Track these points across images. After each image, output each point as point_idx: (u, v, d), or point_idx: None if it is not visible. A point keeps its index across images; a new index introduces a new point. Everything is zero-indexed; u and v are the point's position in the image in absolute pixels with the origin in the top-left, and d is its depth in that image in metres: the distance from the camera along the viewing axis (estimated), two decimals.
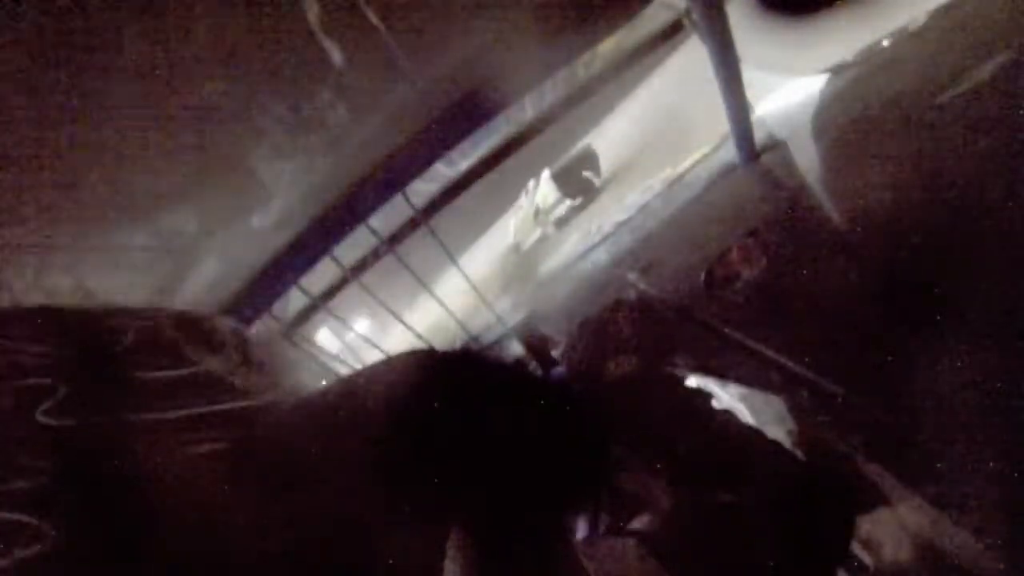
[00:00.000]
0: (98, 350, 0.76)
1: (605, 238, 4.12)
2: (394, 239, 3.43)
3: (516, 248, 9.94)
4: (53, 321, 0.79)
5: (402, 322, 3.74)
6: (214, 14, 1.35)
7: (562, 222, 8.50)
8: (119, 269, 2.13)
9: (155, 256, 2.26)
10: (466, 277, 3.82)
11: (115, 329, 0.79)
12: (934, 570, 1.29)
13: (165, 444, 0.70)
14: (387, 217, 3.18)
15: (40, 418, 0.65)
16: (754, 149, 3.14)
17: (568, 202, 8.38)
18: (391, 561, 0.72)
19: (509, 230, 10.34)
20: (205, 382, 0.81)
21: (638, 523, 1.41)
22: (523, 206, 9.51)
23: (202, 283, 2.69)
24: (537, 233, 9.13)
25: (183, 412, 0.73)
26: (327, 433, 0.81)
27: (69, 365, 0.71)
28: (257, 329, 2.77)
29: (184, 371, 0.79)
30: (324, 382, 1.03)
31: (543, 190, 8.70)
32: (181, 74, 1.44)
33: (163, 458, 0.68)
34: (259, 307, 2.87)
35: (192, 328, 0.90)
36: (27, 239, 1.62)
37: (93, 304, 0.88)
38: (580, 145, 8.35)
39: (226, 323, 1.07)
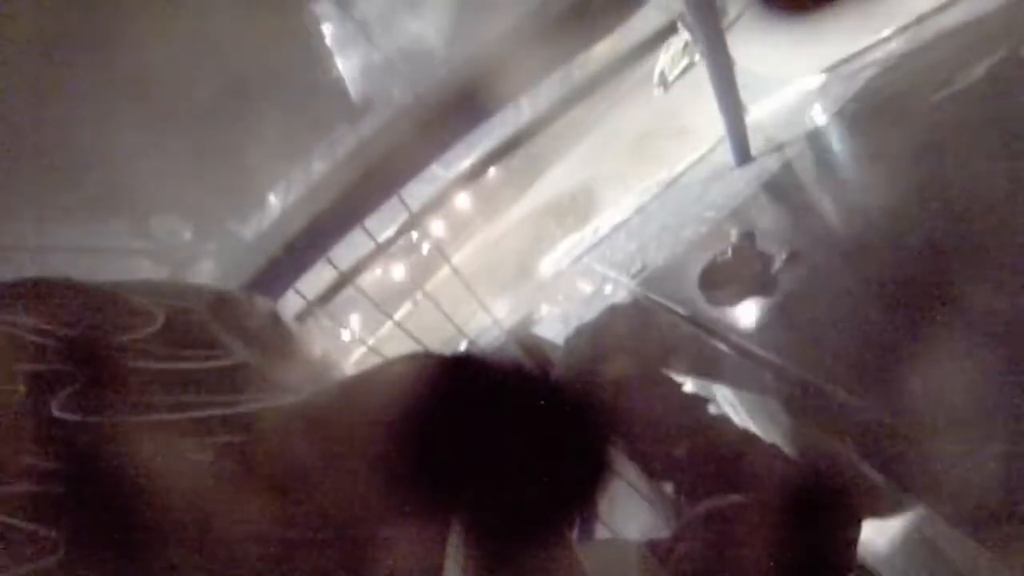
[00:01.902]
0: (125, 333, 0.72)
1: (601, 240, 4.12)
2: (388, 243, 3.42)
3: (662, 79, 12.27)
4: (77, 296, 0.74)
5: (398, 325, 3.72)
6: (213, 16, 1.35)
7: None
8: (115, 272, 2.12)
9: (152, 259, 2.25)
10: (463, 279, 3.80)
11: (143, 310, 0.76)
12: (933, 571, 1.29)
13: (180, 445, 0.67)
14: (384, 219, 3.17)
15: (55, 411, 0.60)
16: (749, 151, 3.15)
17: None
18: (391, 561, 0.71)
19: (656, 67, 12.89)
20: (236, 376, 0.79)
21: (638, 524, 1.41)
22: (672, 43, 11.79)
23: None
24: (684, 62, 11.35)
25: (208, 412, 0.71)
26: (326, 435, 0.81)
27: (92, 349, 0.67)
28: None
29: (216, 363, 0.77)
30: (323, 384, 1.01)
31: None
32: (180, 76, 1.44)
33: (173, 460, 0.65)
34: None
35: (228, 314, 0.87)
36: (24, 240, 1.61)
37: (122, 281, 0.81)
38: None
39: (265, 305, 1.02)
